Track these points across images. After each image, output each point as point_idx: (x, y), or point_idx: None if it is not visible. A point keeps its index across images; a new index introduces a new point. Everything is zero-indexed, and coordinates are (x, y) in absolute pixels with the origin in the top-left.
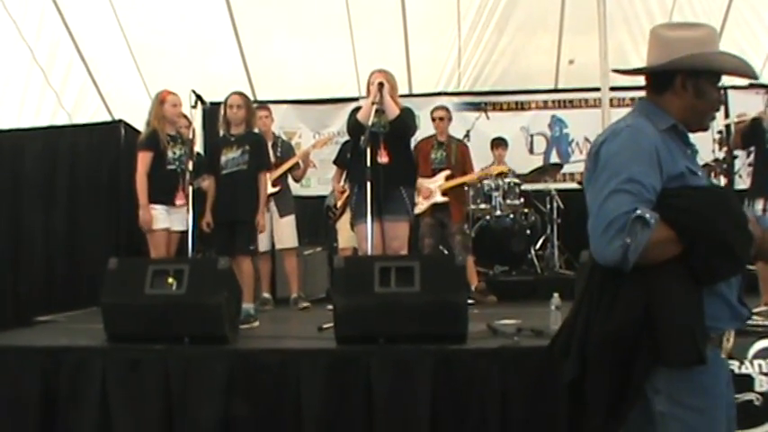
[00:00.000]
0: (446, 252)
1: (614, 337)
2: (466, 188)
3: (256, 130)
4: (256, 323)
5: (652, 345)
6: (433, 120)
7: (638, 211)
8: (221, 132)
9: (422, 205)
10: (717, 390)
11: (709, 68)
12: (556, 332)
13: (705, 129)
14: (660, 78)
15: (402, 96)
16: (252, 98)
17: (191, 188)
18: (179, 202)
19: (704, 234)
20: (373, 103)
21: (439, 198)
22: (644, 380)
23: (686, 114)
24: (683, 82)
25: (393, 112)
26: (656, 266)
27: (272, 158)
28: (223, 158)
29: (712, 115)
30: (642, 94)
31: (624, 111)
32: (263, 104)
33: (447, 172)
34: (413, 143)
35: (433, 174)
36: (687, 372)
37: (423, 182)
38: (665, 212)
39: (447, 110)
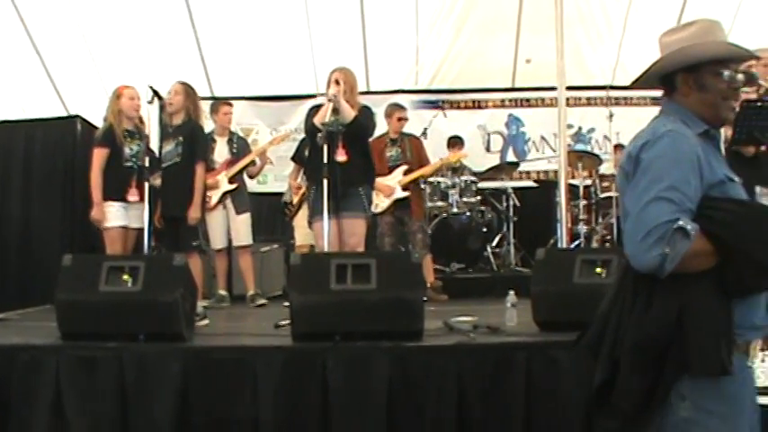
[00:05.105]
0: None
1: (647, 342)
2: (423, 184)
3: (226, 128)
4: (205, 321)
5: (680, 352)
6: (398, 120)
7: (680, 222)
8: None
9: (383, 203)
10: (741, 396)
11: (696, 60)
12: (587, 329)
13: (724, 123)
14: (666, 83)
15: (360, 93)
16: (209, 94)
17: (147, 184)
18: (131, 198)
19: (740, 251)
20: (330, 101)
21: (400, 194)
22: (671, 386)
23: (700, 111)
24: (684, 80)
25: (348, 115)
26: (690, 275)
27: (228, 155)
28: (163, 151)
29: (729, 106)
30: (595, 94)
31: (579, 110)
32: (227, 100)
33: (404, 167)
34: None
35: (390, 171)
36: (712, 379)
37: (381, 180)
38: (705, 224)
39: (406, 108)
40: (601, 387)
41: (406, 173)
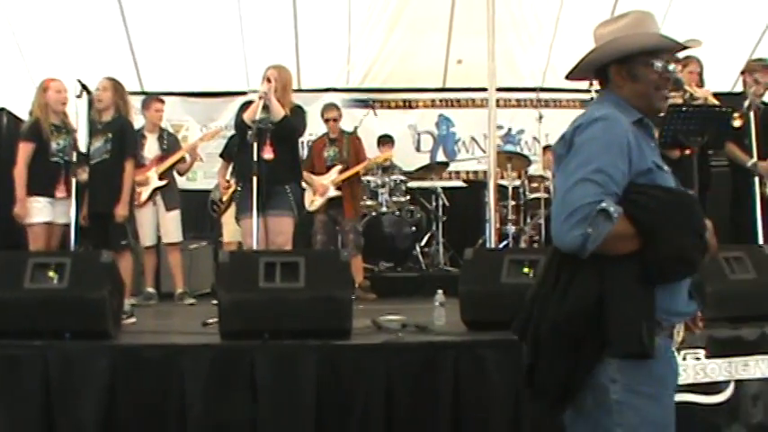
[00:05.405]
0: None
1: (565, 324)
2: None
3: (156, 125)
4: (133, 319)
5: (600, 334)
6: (326, 121)
7: (603, 204)
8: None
9: (317, 202)
10: (669, 378)
11: (627, 51)
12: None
13: (658, 112)
14: (600, 75)
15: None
16: (140, 89)
17: (74, 180)
18: (59, 194)
19: (661, 236)
20: (260, 98)
21: (333, 192)
22: (591, 367)
23: (634, 101)
24: (617, 71)
25: (278, 113)
26: (613, 257)
27: (158, 152)
28: (91, 148)
29: (661, 96)
30: (525, 95)
31: (509, 111)
32: (159, 97)
33: (340, 167)
34: (308, 143)
35: (328, 170)
36: (640, 361)
37: (317, 179)
38: (629, 208)
39: (337, 108)
40: (530, 370)
41: (341, 172)
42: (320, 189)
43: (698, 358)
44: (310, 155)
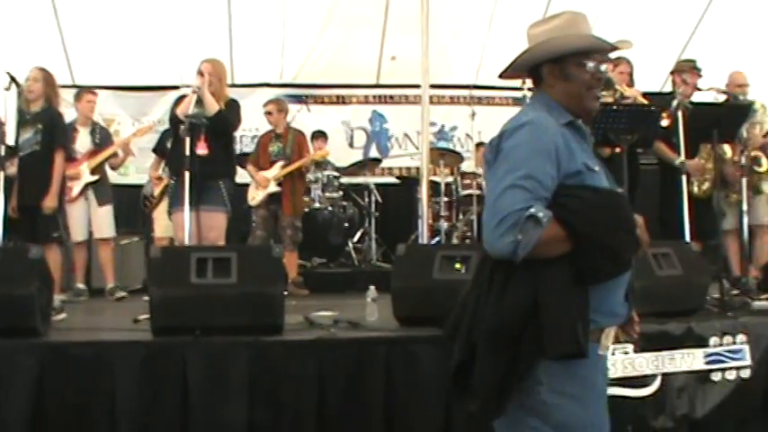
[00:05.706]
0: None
1: (504, 325)
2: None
3: (88, 118)
4: (62, 315)
5: (536, 335)
6: (264, 114)
7: (532, 210)
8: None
9: (258, 197)
10: (592, 379)
11: (559, 52)
12: (449, 315)
13: (590, 113)
14: (533, 74)
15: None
16: (71, 82)
17: (1, 174)
18: None
19: (591, 236)
20: (194, 92)
21: (273, 188)
22: (528, 369)
23: (566, 102)
24: (550, 71)
25: (212, 108)
26: (546, 261)
27: (90, 146)
28: (20, 139)
29: (593, 96)
30: (458, 92)
31: (443, 108)
32: (91, 89)
33: (282, 162)
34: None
35: (271, 165)
36: (566, 363)
37: (261, 174)
38: (557, 212)
39: (276, 102)
40: (458, 369)
41: (283, 167)
42: (262, 183)
43: (626, 352)
44: (257, 149)
